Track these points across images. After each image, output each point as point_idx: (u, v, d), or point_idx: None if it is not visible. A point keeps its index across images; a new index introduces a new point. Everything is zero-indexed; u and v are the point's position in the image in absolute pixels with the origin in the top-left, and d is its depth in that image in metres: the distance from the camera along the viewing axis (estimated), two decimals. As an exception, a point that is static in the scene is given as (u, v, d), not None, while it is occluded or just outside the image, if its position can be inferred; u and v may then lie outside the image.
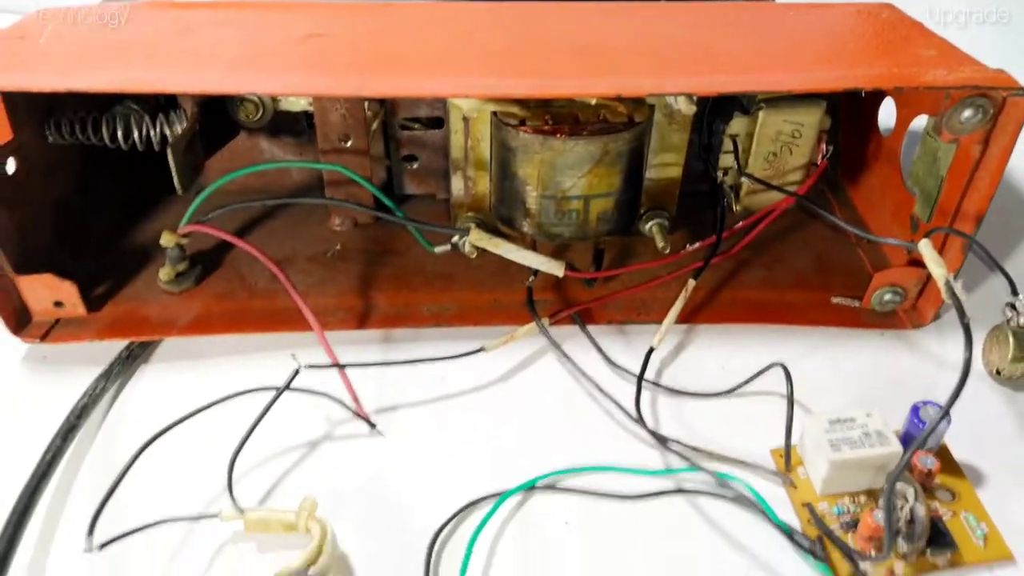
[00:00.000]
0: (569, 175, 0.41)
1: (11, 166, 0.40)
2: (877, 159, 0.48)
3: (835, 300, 0.44)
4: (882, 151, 0.47)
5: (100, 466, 0.36)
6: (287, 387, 0.35)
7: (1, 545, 0.31)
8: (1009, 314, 0.40)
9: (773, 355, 0.40)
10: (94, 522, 0.31)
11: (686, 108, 0.41)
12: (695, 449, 0.37)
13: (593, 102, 0.41)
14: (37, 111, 0.40)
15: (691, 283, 0.42)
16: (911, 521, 0.32)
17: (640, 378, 0.39)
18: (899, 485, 0.32)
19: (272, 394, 0.35)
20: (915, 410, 0.35)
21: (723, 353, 0.42)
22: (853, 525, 0.34)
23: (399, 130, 0.47)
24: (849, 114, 0.49)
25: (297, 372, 0.36)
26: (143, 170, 0.46)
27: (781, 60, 0.39)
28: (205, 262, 0.45)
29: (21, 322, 0.41)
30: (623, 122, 0.41)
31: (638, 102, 0.41)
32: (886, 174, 0.47)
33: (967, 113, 0.37)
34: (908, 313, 0.44)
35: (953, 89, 0.36)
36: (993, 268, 0.39)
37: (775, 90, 0.41)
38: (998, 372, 0.40)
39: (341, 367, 0.38)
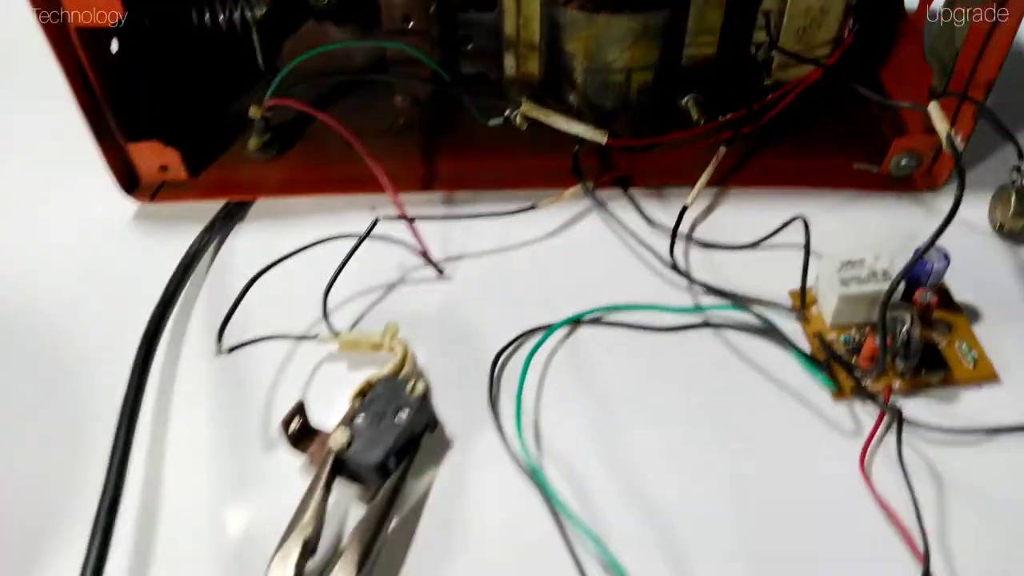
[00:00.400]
0: (613, 49, 0.45)
1: (115, 46, 0.46)
2: (902, 36, 0.51)
3: (856, 166, 0.48)
4: (907, 28, 0.50)
5: (212, 299, 0.42)
6: (368, 234, 0.41)
7: (141, 353, 0.38)
8: (1014, 176, 0.44)
9: (796, 214, 0.44)
10: (222, 331, 0.38)
11: (722, -15, 0.45)
12: (721, 291, 0.42)
13: (636, -20, 0.45)
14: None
15: (722, 149, 0.46)
16: (907, 343, 0.37)
17: (674, 231, 0.44)
18: (898, 312, 0.37)
19: (355, 240, 0.41)
20: (918, 252, 0.39)
21: (750, 213, 0.47)
22: (858, 350, 0.39)
23: (455, 12, 0.51)
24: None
25: (376, 222, 0.41)
26: (229, 51, 0.50)
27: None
28: (287, 133, 0.50)
29: (132, 184, 0.47)
30: (663, -1, 0.44)
31: (677, -21, 0.45)
32: (910, 50, 0.50)
33: (979, -15, 0.40)
34: (923, 177, 0.48)
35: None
36: (1003, 134, 0.42)
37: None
38: (1001, 227, 0.44)
39: (411, 220, 0.44)
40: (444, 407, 0.38)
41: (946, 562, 0.33)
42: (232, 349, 0.38)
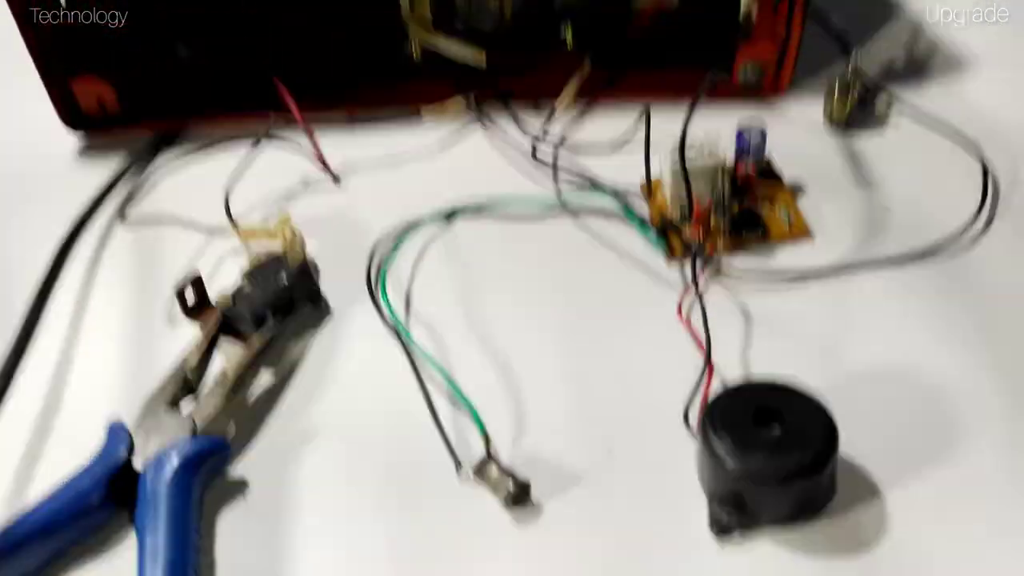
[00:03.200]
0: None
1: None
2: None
3: (708, 75, 0.52)
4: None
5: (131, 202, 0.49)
6: (267, 133, 0.48)
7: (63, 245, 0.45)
8: (842, 70, 0.49)
9: (653, 122, 0.49)
10: (124, 205, 0.45)
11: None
12: (580, 184, 0.48)
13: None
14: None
15: (587, 65, 0.52)
16: (721, 199, 0.42)
17: (543, 132, 0.50)
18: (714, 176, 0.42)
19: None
20: (739, 132, 0.45)
21: (614, 122, 0.51)
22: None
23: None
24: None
25: (271, 119, 0.48)
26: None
27: None
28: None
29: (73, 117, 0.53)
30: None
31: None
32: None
33: None
34: (770, 84, 0.52)
35: None
36: (830, 35, 0.48)
37: None
38: (831, 117, 0.50)
39: (310, 130, 0.50)
40: (330, 289, 0.44)
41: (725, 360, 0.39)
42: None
